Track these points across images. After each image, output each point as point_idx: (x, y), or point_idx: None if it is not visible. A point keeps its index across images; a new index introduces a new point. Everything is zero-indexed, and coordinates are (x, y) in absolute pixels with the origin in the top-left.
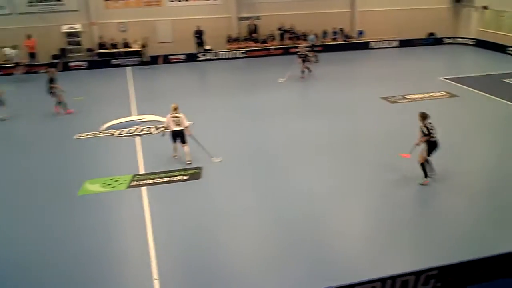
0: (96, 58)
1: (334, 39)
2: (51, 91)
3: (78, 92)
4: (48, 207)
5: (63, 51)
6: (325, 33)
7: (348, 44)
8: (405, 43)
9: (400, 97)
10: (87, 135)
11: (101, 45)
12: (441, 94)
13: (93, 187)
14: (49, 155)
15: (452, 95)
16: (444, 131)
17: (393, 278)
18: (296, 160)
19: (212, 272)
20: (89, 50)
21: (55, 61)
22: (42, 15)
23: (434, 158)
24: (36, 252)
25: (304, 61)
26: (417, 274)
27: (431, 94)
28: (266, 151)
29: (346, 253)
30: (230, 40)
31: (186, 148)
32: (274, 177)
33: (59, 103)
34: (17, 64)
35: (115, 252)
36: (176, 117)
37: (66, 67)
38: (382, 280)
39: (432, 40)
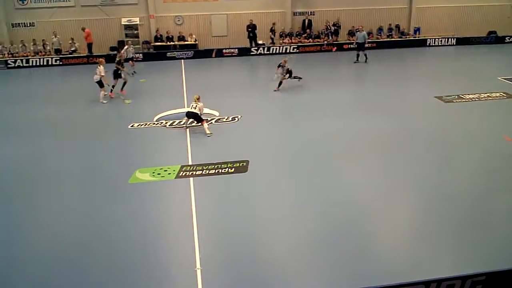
0: (152, 50)
1: (390, 36)
2: (119, 72)
3: (132, 84)
4: (99, 193)
5: (121, 43)
6: (380, 30)
7: (404, 41)
8: (463, 41)
9: (456, 96)
10: (140, 125)
11: (157, 38)
12: (498, 95)
13: (143, 175)
14: (104, 143)
15: (510, 96)
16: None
17: (438, 281)
18: (347, 158)
19: (255, 265)
20: (146, 42)
21: (113, 52)
22: (103, 8)
23: None
24: (82, 237)
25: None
26: (463, 279)
27: (487, 94)
28: (316, 148)
29: (393, 253)
30: (283, 35)
31: (204, 124)
32: (324, 174)
33: (124, 83)
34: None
35: (160, 240)
36: (196, 103)
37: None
38: (426, 283)
39: (493, 39)
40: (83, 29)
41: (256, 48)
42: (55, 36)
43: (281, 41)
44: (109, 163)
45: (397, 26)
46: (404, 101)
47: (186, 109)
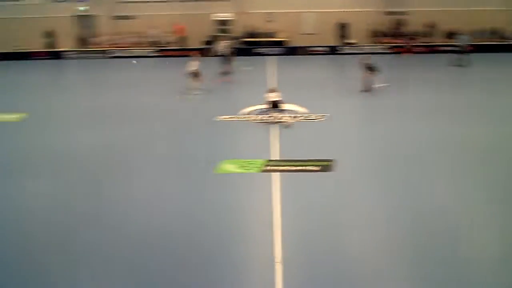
0: (241, 46)
1: (489, 40)
2: (229, 58)
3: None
4: (185, 181)
5: (213, 37)
6: (479, 33)
7: (505, 45)
8: None
9: None
10: (227, 118)
11: (247, 34)
12: None
13: (228, 167)
14: (192, 132)
15: None
16: None
17: None
18: (445, 167)
19: (336, 265)
20: (235, 38)
21: (205, 46)
22: (198, 4)
23: None
24: (164, 222)
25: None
26: None
27: None
28: (412, 154)
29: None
30: (375, 35)
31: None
32: (414, 182)
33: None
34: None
35: (240, 230)
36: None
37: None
38: None
39: None
40: (174, 24)
41: (345, 47)
42: (154, 29)
43: (372, 41)
44: (196, 152)
45: (497, 30)
46: (497, 108)
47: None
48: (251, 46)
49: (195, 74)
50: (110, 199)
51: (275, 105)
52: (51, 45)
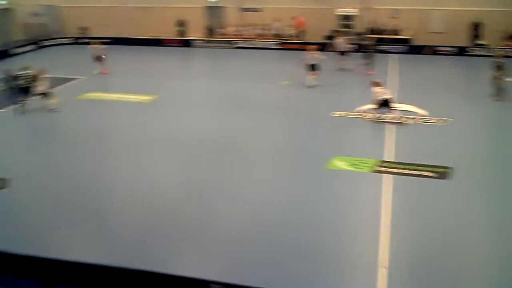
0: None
1: None
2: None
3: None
4: (295, 172)
5: (334, 33)
6: None
7: None
8: None
9: None
10: (342, 114)
11: (371, 30)
12: None
13: (340, 163)
14: (306, 126)
15: None
16: None
17: None
18: None
19: (442, 277)
20: (358, 34)
21: (327, 41)
22: None
23: None
24: (271, 213)
25: None
26: None
27: None
28: None
29: None
30: (510, 37)
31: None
32: None
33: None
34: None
35: (346, 229)
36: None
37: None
38: None
39: None
40: (294, 18)
41: (476, 48)
42: (277, 22)
43: (506, 43)
44: (309, 146)
45: None
46: None
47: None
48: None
49: (313, 67)
50: (220, 181)
51: (385, 103)
52: (182, 33)
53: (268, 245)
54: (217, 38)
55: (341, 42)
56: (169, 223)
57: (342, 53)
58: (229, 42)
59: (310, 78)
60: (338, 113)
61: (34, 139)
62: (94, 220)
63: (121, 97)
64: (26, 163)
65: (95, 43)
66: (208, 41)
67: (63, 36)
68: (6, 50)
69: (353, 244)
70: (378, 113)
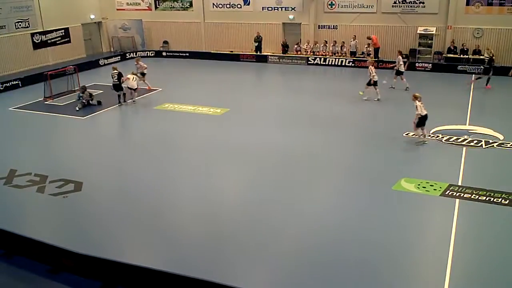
0: (442, 61)
1: None
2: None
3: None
4: (362, 191)
5: (412, 51)
6: None
7: None
8: None
9: None
10: (414, 134)
11: (450, 50)
12: None
13: (407, 185)
14: (377, 145)
15: None
16: None
17: None
18: None
19: None
20: (438, 53)
21: (404, 60)
22: (402, 16)
23: None
24: (333, 231)
25: None
26: None
27: None
28: None
29: None
30: None
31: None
32: None
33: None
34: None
35: (410, 253)
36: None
37: (412, 67)
38: None
39: None
40: (369, 38)
41: None
42: (354, 39)
43: None
44: (377, 165)
45: None
46: None
47: (467, 127)
48: (453, 63)
49: (373, 82)
50: (284, 195)
51: (424, 119)
52: (258, 49)
53: (332, 264)
54: (292, 54)
55: (400, 63)
56: (231, 234)
57: (401, 73)
58: (303, 58)
59: (375, 92)
60: (411, 133)
61: (109, 144)
62: (158, 226)
63: (194, 109)
64: (99, 166)
65: (138, 60)
66: (283, 57)
67: (147, 49)
68: (97, 61)
69: (417, 269)
70: (453, 135)
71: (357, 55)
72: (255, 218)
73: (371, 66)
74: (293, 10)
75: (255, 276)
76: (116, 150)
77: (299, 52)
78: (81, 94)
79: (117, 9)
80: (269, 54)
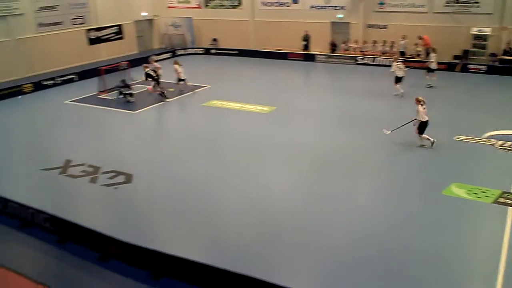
0: (497, 63)
1: None
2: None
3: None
4: (411, 195)
5: (465, 52)
6: None
7: None
8: None
9: None
10: (466, 138)
11: (506, 52)
12: None
13: (458, 190)
14: (426, 148)
15: None
16: None
17: None
18: None
19: None
20: (492, 55)
21: (455, 61)
22: (455, 16)
23: None
24: (378, 231)
25: None
26: None
27: None
28: None
29: None
30: None
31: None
32: None
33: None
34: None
35: (459, 261)
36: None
37: (464, 69)
38: None
39: None
40: (420, 38)
41: None
42: (403, 39)
43: None
44: (426, 168)
45: None
46: None
47: None
48: (508, 65)
49: (399, 79)
50: (329, 195)
51: (425, 124)
52: (307, 47)
53: (378, 269)
54: (340, 53)
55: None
56: (278, 231)
57: (432, 70)
58: (352, 58)
59: (396, 88)
60: (463, 137)
61: (158, 138)
62: (204, 220)
63: (241, 107)
64: (149, 160)
65: (152, 60)
66: (331, 56)
67: (196, 47)
68: (147, 57)
69: (466, 277)
70: (508, 141)
71: (406, 56)
72: (302, 216)
73: (395, 63)
74: (341, 9)
75: (300, 275)
76: (164, 145)
77: (347, 52)
78: (120, 85)
79: (168, 7)
80: (317, 53)
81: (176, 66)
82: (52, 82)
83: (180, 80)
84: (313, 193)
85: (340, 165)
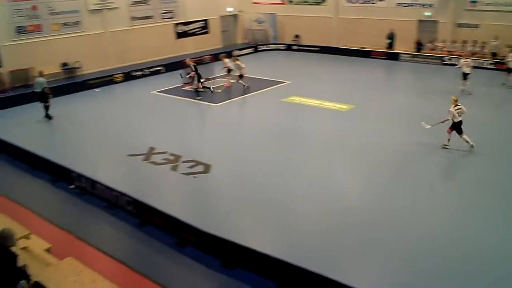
0: None
1: None
2: None
3: None
4: (489, 206)
5: None
6: None
7: None
8: None
9: None
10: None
11: None
12: None
13: None
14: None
15: None
16: None
17: None
18: None
19: None
20: None
21: None
22: None
23: None
24: (457, 238)
25: None
26: None
27: None
28: None
29: None
30: None
31: (464, 136)
32: None
33: None
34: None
35: None
36: (460, 108)
37: None
38: None
39: None
40: None
41: None
42: (495, 40)
43: None
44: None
45: None
46: None
47: None
48: None
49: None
50: (405, 200)
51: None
52: (391, 46)
53: (455, 272)
54: (426, 53)
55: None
56: (349, 232)
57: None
58: (438, 58)
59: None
60: None
61: (237, 131)
62: (278, 215)
63: (320, 104)
64: (227, 151)
65: (190, 60)
66: (416, 56)
67: (278, 42)
68: (230, 51)
69: None
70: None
71: (497, 57)
72: (374, 219)
73: (463, 59)
74: (430, 7)
75: (371, 276)
76: (243, 138)
77: (433, 51)
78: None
79: (253, 3)
80: (401, 51)
81: (239, 62)
82: (140, 73)
83: (241, 76)
84: (387, 195)
85: (418, 168)
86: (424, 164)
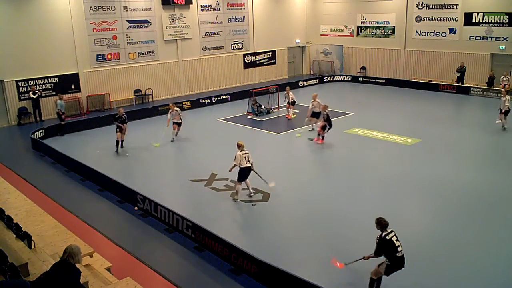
0: None
1: None
2: None
3: None
4: None
5: None
6: None
7: None
8: None
9: None
10: None
11: None
12: None
13: None
14: None
15: None
16: None
17: None
18: None
19: None
20: None
21: None
22: None
23: None
24: None
25: None
26: None
27: None
28: None
29: None
30: None
31: (248, 182)
32: None
33: None
34: None
35: None
36: (246, 153)
37: None
38: None
39: None
40: None
41: None
42: None
43: None
44: None
45: None
46: None
47: None
48: None
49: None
50: (472, 238)
51: None
52: (461, 79)
53: None
54: (499, 87)
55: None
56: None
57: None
58: (511, 93)
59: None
60: None
61: (298, 161)
62: (338, 249)
63: (384, 136)
64: (287, 181)
65: (173, 106)
66: (488, 90)
67: (344, 74)
68: (297, 82)
69: None
70: None
71: None
72: (438, 257)
73: (504, 97)
74: (504, 40)
75: None
76: (304, 167)
77: (507, 86)
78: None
79: (321, 35)
80: (471, 85)
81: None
82: (208, 101)
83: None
84: (453, 234)
85: (486, 208)
86: (494, 208)
